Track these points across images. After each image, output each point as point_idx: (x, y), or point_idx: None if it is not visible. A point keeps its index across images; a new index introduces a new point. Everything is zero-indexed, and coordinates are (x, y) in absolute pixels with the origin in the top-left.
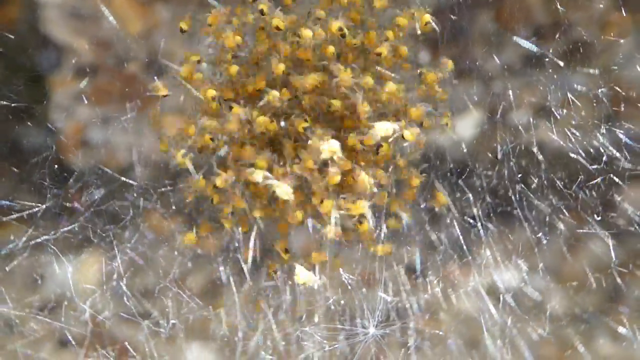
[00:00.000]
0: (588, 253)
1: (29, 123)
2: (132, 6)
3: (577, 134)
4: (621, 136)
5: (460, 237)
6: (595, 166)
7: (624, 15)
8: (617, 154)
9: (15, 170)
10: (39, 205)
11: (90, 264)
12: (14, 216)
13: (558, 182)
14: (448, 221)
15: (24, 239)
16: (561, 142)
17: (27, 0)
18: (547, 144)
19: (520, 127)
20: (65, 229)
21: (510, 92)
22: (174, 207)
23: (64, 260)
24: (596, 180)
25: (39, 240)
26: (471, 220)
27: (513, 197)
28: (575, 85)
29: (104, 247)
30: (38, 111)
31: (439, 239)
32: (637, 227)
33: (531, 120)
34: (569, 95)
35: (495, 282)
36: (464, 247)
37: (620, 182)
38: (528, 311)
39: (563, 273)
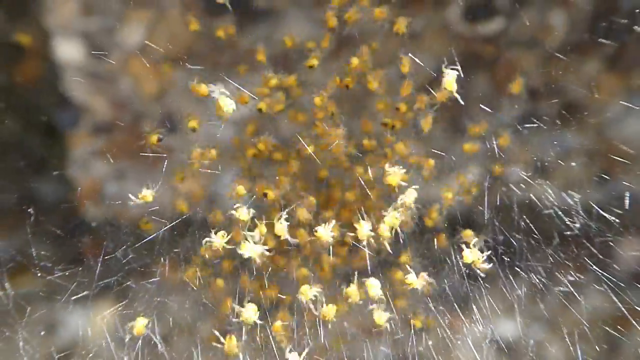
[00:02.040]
0: (565, 311)
1: (47, 177)
2: (147, 68)
3: (555, 202)
4: (593, 205)
5: (451, 294)
6: (568, 232)
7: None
8: (589, 222)
9: (32, 223)
10: (77, 268)
11: (104, 313)
12: (58, 274)
13: (535, 244)
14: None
15: (67, 294)
16: (541, 210)
17: (47, 61)
18: (529, 207)
19: (503, 195)
20: (102, 282)
21: (497, 150)
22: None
23: (80, 310)
24: (571, 246)
25: (79, 295)
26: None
27: (495, 259)
28: (552, 152)
29: (119, 297)
30: (56, 166)
31: (435, 295)
32: (606, 288)
33: (513, 187)
34: (546, 159)
35: (486, 338)
36: (454, 304)
37: (591, 247)
38: None
39: (546, 330)
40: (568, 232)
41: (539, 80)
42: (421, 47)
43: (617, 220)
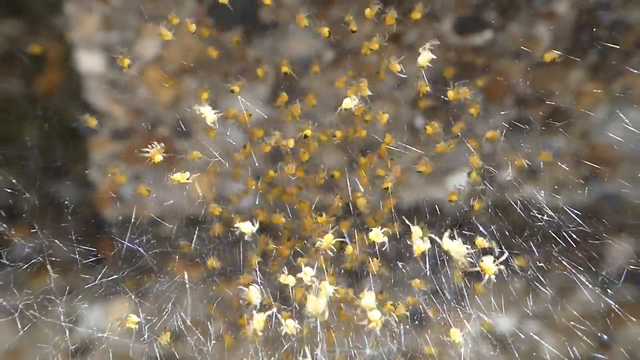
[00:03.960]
0: (558, 307)
1: (68, 179)
2: (162, 78)
3: (543, 202)
4: (579, 205)
5: (446, 289)
6: (557, 231)
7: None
8: (575, 222)
9: (54, 222)
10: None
11: (119, 308)
12: (92, 259)
13: (527, 243)
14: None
15: (100, 275)
16: (528, 209)
17: (69, 70)
18: (518, 207)
19: (494, 197)
20: (131, 267)
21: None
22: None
23: (95, 304)
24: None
25: (111, 278)
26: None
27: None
28: (539, 155)
29: (132, 293)
30: (77, 168)
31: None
32: (568, 273)
33: (502, 189)
34: (532, 162)
35: (481, 333)
36: (450, 299)
37: (557, 238)
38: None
39: (540, 325)
40: (557, 231)
41: (526, 89)
42: (416, 57)
43: (604, 220)
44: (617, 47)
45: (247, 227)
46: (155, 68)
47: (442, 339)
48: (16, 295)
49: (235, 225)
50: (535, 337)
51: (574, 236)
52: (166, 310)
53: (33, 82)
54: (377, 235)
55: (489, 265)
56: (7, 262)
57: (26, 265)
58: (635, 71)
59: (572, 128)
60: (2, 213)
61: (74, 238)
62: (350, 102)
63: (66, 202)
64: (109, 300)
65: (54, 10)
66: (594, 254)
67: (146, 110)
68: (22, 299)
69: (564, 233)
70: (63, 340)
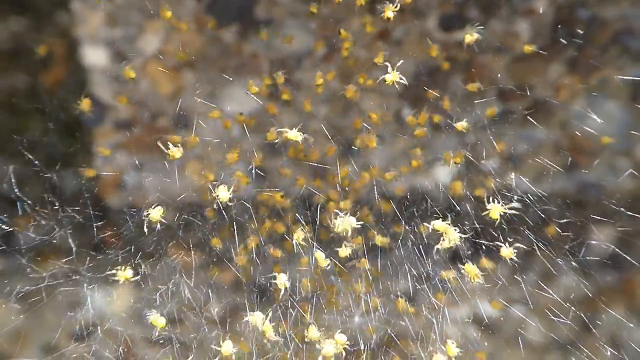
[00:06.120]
0: (542, 292)
1: (73, 167)
2: (163, 72)
3: (524, 190)
4: (560, 193)
5: (433, 274)
6: (538, 218)
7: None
8: (557, 209)
9: (59, 207)
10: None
11: (122, 293)
12: (108, 233)
13: (510, 229)
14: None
15: (118, 247)
16: (511, 198)
17: (74, 64)
18: (501, 195)
19: (478, 186)
20: (141, 241)
21: (470, 144)
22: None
23: (99, 289)
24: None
25: (125, 250)
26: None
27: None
28: (521, 145)
29: (144, 264)
30: (82, 158)
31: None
32: (547, 260)
33: (486, 178)
34: (515, 152)
35: (468, 317)
36: (438, 283)
37: (561, 232)
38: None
39: (525, 309)
40: (538, 218)
41: (508, 82)
42: (402, 52)
43: (583, 208)
44: (593, 42)
45: (222, 194)
46: (156, 62)
47: (429, 319)
48: (42, 266)
49: (214, 194)
50: (523, 317)
51: (546, 218)
52: (173, 279)
53: (39, 77)
54: (348, 221)
55: (507, 251)
56: (34, 236)
57: (49, 238)
58: (601, 66)
59: (551, 119)
60: (28, 191)
61: (91, 214)
62: (392, 76)
63: (83, 182)
64: (112, 284)
65: (60, 7)
66: (573, 240)
67: (148, 102)
68: (47, 269)
69: (535, 215)
70: (85, 305)
